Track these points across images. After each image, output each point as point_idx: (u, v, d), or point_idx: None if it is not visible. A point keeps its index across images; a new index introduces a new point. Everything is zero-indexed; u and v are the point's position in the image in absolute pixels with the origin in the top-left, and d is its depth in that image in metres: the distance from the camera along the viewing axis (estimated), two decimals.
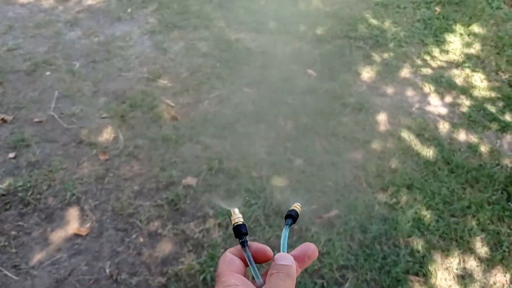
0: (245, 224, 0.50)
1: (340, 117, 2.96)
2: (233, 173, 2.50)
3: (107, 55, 3.43)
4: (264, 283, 0.45)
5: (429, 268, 2.12)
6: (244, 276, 0.46)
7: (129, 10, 4.03)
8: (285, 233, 0.52)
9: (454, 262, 2.16)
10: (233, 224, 0.51)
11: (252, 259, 0.48)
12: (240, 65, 3.39)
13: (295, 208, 0.55)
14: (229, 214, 0.57)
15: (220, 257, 0.49)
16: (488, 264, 2.17)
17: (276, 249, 0.49)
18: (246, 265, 0.48)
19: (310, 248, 0.51)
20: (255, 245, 0.50)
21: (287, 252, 0.49)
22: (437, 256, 2.17)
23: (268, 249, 0.50)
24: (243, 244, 0.49)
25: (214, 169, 2.51)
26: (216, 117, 2.89)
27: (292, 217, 0.53)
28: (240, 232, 0.49)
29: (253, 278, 0.47)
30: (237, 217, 0.51)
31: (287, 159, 2.62)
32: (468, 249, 2.23)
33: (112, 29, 3.77)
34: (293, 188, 2.44)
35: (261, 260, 0.50)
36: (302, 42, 3.73)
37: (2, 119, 2.79)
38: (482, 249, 2.24)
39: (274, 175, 2.51)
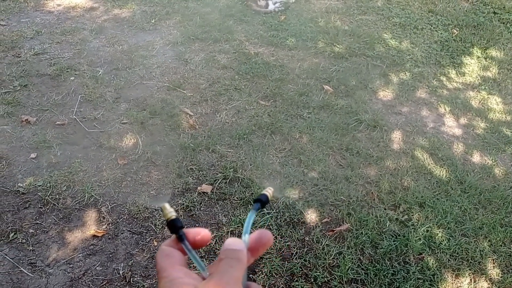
0: (178, 218, 0.48)
1: (354, 133, 2.99)
2: (247, 182, 2.54)
3: (130, 63, 3.53)
4: (208, 274, 0.43)
5: (439, 286, 2.11)
6: (186, 267, 0.44)
7: (153, 21, 4.16)
8: (250, 217, 0.49)
9: (464, 282, 2.16)
10: (167, 220, 0.48)
11: (193, 251, 0.46)
12: (257, 78, 3.46)
13: (266, 193, 0.52)
14: (161, 212, 0.54)
15: (157, 253, 0.46)
16: (500, 286, 2.16)
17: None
18: (185, 255, 0.46)
19: (265, 236, 0.48)
20: (191, 232, 0.47)
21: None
22: (448, 275, 2.17)
23: (203, 230, 0.48)
24: (181, 238, 0.46)
25: (229, 178, 2.56)
26: (233, 127, 2.95)
27: (261, 201, 0.51)
28: (175, 226, 0.47)
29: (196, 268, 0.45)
30: (169, 212, 0.48)
31: (301, 171, 2.65)
32: (479, 270, 2.22)
33: (136, 39, 3.89)
34: (306, 200, 2.47)
35: (201, 244, 0.48)
36: (320, 58, 3.79)
37: (26, 120, 2.88)
38: (493, 271, 2.22)
39: (287, 186, 2.54)
